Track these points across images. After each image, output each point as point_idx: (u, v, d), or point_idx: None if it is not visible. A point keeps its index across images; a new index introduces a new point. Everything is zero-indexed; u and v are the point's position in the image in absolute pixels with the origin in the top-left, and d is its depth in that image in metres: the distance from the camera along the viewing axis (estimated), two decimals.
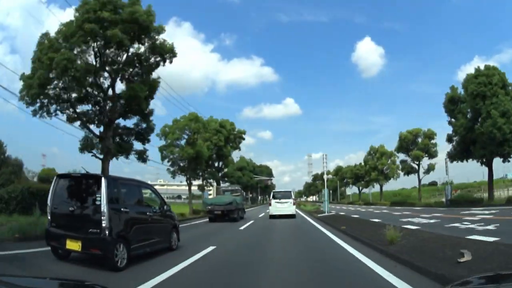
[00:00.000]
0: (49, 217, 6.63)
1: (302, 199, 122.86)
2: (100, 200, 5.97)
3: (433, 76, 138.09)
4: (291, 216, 21.30)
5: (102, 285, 2.15)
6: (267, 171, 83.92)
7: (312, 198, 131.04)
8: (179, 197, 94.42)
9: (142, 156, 18.13)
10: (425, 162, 40.83)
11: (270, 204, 22.72)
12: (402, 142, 41.61)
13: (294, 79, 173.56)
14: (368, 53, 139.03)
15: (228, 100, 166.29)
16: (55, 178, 6.82)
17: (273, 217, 21.30)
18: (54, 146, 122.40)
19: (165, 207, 7.99)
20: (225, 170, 40.95)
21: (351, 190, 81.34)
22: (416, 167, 41.10)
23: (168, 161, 25.80)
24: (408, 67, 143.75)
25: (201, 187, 31.65)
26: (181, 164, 25.74)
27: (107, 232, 5.89)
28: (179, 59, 17.01)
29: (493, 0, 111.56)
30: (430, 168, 40.46)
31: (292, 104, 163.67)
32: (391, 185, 69.89)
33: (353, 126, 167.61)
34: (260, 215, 25.92)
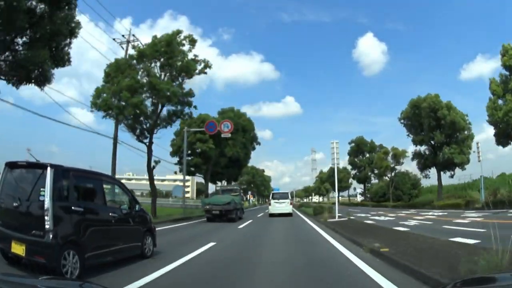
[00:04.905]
0: None
1: (310, 199, 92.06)
2: (44, 196, 4.82)
3: (434, 75, 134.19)
4: (288, 215, 22.70)
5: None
6: (248, 124, 36.77)
7: (319, 199, 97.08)
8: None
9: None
10: None
11: (269, 204, 25.05)
12: None
13: (294, 76, 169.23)
14: (370, 49, 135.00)
15: (226, 98, 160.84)
16: (4, 167, 5.75)
17: (272, 215, 22.70)
18: (52, 144, 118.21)
19: (136, 206, 6.77)
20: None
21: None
22: None
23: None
24: (410, 65, 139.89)
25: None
26: None
27: (51, 236, 4.78)
28: None
29: None
30: None
31: (292, 103, 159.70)
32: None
33: (354, 127, 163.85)
34: None
